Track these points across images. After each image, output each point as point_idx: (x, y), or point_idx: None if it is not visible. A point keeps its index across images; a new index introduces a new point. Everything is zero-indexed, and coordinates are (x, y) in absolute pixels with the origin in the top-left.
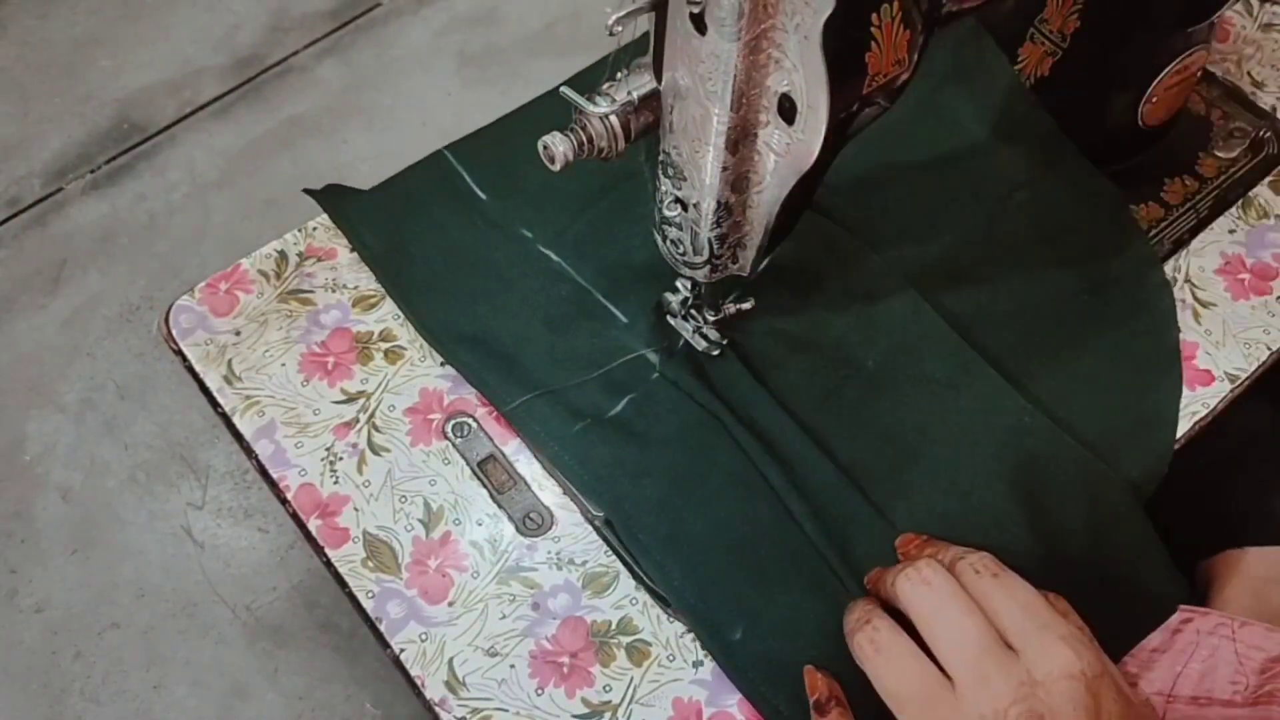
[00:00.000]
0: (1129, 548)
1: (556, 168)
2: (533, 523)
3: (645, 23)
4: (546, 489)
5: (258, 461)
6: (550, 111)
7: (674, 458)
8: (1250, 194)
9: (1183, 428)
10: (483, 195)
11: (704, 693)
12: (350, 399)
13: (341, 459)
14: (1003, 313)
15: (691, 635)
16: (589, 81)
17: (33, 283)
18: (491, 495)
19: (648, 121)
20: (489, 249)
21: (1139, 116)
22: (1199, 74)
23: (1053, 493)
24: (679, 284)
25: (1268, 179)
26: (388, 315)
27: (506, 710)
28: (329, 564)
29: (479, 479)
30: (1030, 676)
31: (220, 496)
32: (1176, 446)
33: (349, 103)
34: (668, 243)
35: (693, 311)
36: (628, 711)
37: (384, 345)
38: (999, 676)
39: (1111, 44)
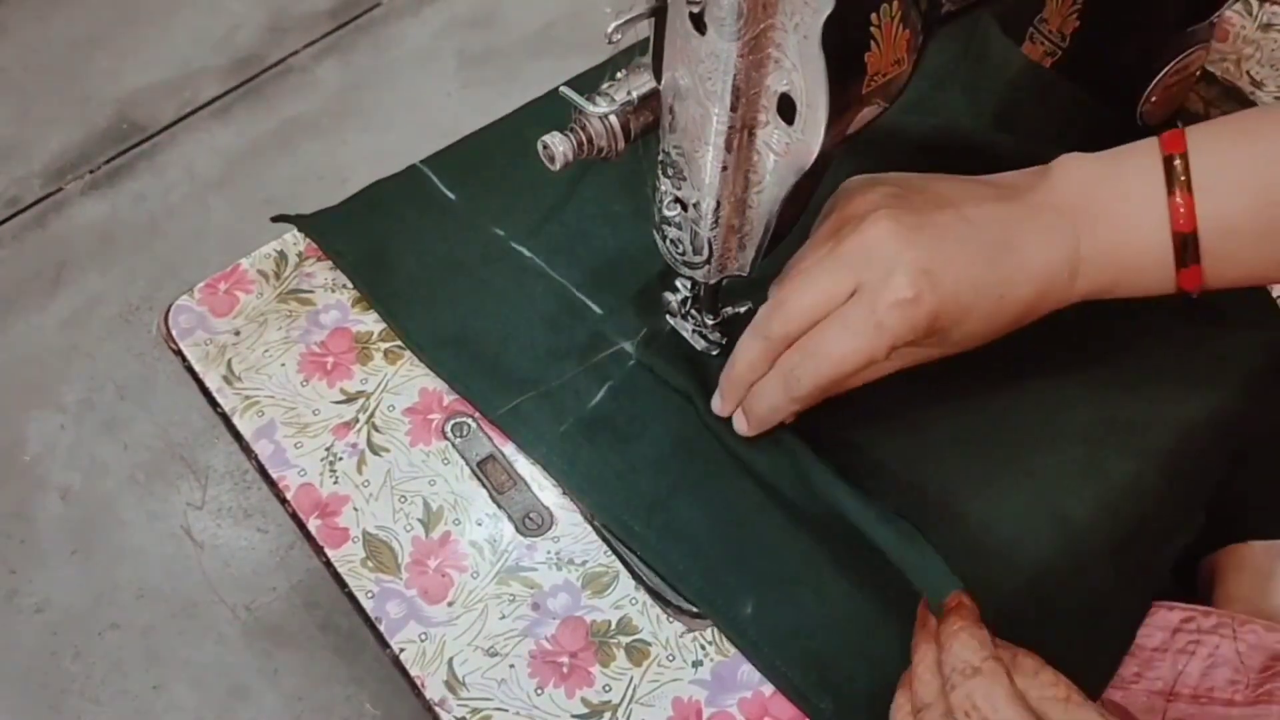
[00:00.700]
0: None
1: (556, 167)
2: (532, 523)
3: (645, 28)
4: (546, 489)
5: (257, 461)
6: (531, 120)
7: (659, 449)
8: None
9: None
10: (451, 195)
11: (704, 693)
12: (350, 399)
13: (341, 459)
14: None
15: (692, 635)
16: (589, 83)
17: (32, 283)
18: (491, 495)
19: (647, 121)
20: (462, 249)
21: (1139, 116)
22: (1198, 74)
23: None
24: (679, 284)
25: None
26: None
27: (506, 710)
28: (328, 564)
29: (479, 479)
30: None
31: (220, 497)
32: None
33: (348, 103)
34: (667, 243)
35: (693, 311)
36: (627, 711)
37: (383, 345)
38: None
39: (1111, 44)
